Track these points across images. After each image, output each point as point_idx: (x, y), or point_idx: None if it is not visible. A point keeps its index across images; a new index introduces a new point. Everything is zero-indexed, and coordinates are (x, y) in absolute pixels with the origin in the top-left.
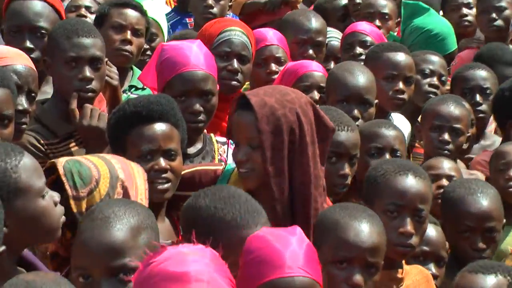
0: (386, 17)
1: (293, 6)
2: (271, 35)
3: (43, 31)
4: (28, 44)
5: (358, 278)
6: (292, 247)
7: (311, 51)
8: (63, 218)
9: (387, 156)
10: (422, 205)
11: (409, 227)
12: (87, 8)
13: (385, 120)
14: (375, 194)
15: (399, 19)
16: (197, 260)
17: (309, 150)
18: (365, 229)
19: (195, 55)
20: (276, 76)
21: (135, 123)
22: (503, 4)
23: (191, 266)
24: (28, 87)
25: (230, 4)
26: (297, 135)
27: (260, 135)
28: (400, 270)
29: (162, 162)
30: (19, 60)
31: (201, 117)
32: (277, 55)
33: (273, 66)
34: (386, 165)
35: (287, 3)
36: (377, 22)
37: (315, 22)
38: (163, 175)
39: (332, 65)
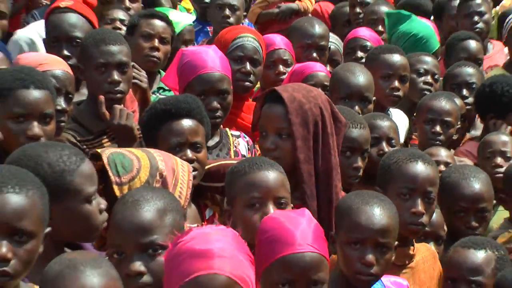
0: None
1: (303, 16)
2: (278, 40)
3: (78, 40)
4: (65, 52)
5: (370, 257)
6: (302, 226)
7: (315, 54)
8: (105, 224)
9: (384, 144)
10: (431, 187)
11: (420, 207)
12: (121, 21)
13: (379, 113)
14: (389, 180)
15: None
16: (219, 239)
17: (330, 141)
18: (376, 212)
19: (212, 59)
20: (283, 77)
21: (165, 120)
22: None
23: (215, 244)
24: (65, 89)
25: (244, 14)
26: (320, 127)
27: (290, 125)
28: (411, 247)
29: (189, 153)
30: (57, 66)
31: (218, 113)
32: (284, 57)
33: (281, 68)
34: (398, 153)
35: (298, 13)
36: (380, 28)
37: (319, 28)
38: (191, 165)
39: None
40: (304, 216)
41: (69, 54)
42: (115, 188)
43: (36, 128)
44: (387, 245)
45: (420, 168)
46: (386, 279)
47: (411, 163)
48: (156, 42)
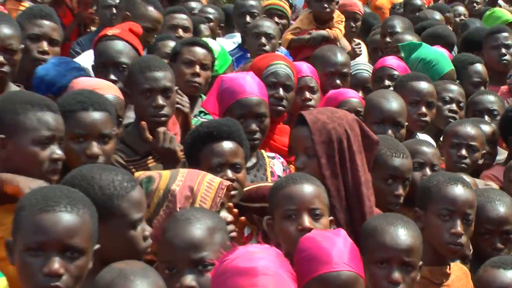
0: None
1: (332, 42)
2: (305, 67)
3: (124, 66)
4: (112, 77)
5: (396, 275)
6: (337, 245)
7: (338, 81)
8: (148, 250)
9: (428, 170)
10: (470, 210)
11: (459, 228)
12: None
13: (424, 140)
14: (429, 201)
15: None
16: (263, 257)
17: (358, 158)
18: (400, 233)
19: (250, 84)
20: (310, 103)
21: (207, 141)
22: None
23: (259, 262)
24: (116, 113)
25: (279, 42)
26: (345, 145)
27: (314, 145)
28: (448, 266)
29: (230, 173)
30: (109, 91)
31: (257, 135)
32: (310, 85)
33: (307, 94)
34: (438, 176)
35: (328, 40)
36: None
37: (340, 56)
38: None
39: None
40: (340, 236)
41: (115, 78)
42: None
43: (95, 148)
44: (412, 264)
45: (460, 191)
46: None
47: (451, 186)
48: (197, 68)
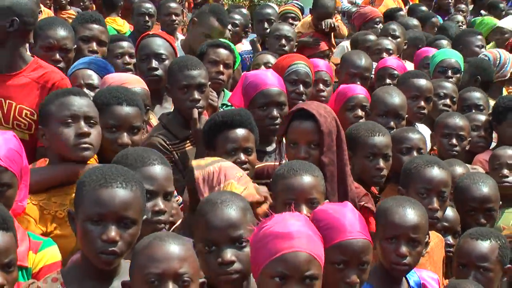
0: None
1: (338, 35)
2: (322, 63)
3: (163, 57)
4: (153, 65)
5: (403, 250)
6: (348, 216)
7: (358, 82)
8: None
9: (415, 153)
10: (444, 188)
11: (435, 204)
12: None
13: (411, 127)
14: (410, 181)
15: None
16: (295, 222)
17: (343, 144)
18: (407, 212)
19: (270, 78)
20: (323, 93)
21: (222, 129)
22: None
23: (292, 227)
24: (144, 103)
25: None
26: (337, 136)
27: (321, 135)
28: (427, 236)
29: (242, 156)
30: (136, 84)
31: (277, 121)
32: (325, 78)
33: (321, 86)
34: (417, 159)
35: (334, 29)
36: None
37: (365, 61)
38: (243, 166)
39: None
40: (348, 207)
41: (156, 66)
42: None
43: (125, 138)
44: (418, 239)
45: (436, 172)
46: (425, 274)
47: (429, 168)
48: (221, 67)
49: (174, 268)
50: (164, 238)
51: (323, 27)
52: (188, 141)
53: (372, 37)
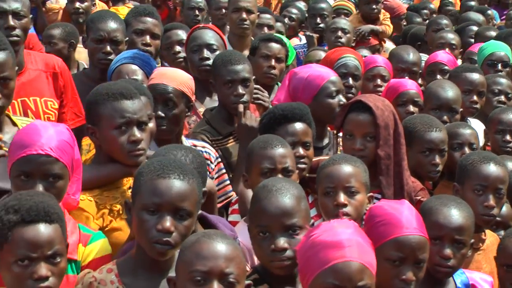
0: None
1: (383, 35)
2: (380, 59)
3: (214, 47)
4: (205, 55)
5: (447, 252)
6: (405, 213)
7: (407, 77)
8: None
9: (466, 149)
10: (501, 185)
11: (491, 201)
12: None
13: (462, 122)
14: (465, 178)
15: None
16: (344, 230)
17: (401, 139)
18: (453, 213)
19: (324, 70)
20: (380, 89)
21: (282, 122)
22: None
23: (342, 235)
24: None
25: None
26: (394, 129)
27: (377, 128)
28: (483, 233)
29: (301, 150)
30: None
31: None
32: (383, 74)
33: (379, 81)
34: (473, 156)
35: (376, 34)
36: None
37: (413, 56)
38: (301, 160)
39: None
40: (404, 205)
41: (208, 56)
42: None
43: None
44: (463, 241)
45: (492, 168)
46: (477, 275)
47: (485, 164)
48: (273, 62)
49: (220, 267)
50: (213, 236)
51: (356, 36)
52: (231, 137)
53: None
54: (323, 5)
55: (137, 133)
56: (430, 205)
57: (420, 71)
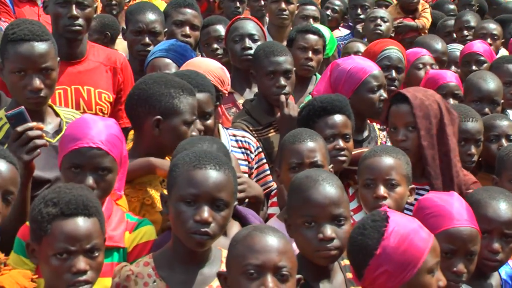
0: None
1: (421, 31)
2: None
3: (256, 37)
4: (247, 45)
5: (496, 246)
6: (455, 205)
7: (436, 66)
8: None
9: (503, 140)
10: None
11: None
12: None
13: (499, 114)
14: (503, 169)
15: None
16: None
17: (448, 129)
18: (501, 206)
19: (368, 63)
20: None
21: (322, 115)
22: None
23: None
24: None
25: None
26: (438, 119)
27: (415, 119)
28: None
29: (341, 143)
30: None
31: (381, 105)
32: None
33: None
34: (510, 147)
35: (415, 30)
36: (489, 41)
37: (441, 45)
38: (341, 152)
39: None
40: (454, 197)
41: (250, 46)
42: None
43: (198, 124)
44: None
45: None
46: None
47: None
48: (310, 53)
49: (274, 260)
50: (264, 229)
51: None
52: (271, 128)
53: (451, 22)
54: None
55: (199, 125)
56: (478, 198)
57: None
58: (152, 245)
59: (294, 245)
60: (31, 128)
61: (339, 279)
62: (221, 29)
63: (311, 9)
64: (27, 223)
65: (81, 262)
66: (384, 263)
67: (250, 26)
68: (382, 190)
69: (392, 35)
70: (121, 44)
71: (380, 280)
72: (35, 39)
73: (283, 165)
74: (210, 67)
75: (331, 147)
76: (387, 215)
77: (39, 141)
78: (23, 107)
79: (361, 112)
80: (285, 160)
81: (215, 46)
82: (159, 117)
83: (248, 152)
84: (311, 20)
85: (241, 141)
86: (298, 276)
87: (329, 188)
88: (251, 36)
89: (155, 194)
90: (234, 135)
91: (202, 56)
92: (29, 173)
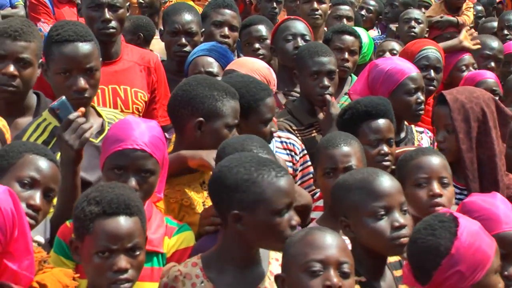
0: None
1: (461, 28)
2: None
3: (307, 38)
4: (300, 44)
5: None
6: (501, 207)
7: (492, 64)
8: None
9: None
10: None
11: None
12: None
13: None
14: None
15: None
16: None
17: (493, 133)
18: None
19: (406, 64)
20: None
21: (365, 118)
22: None
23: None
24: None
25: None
26: (482, 122)
27: (453, 122)
28: None
29: (385, 148)
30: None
31: (423, 106)
32: (472, 61)
33: (471, 69)
34: None
35: (455, 26)
36: None
37: (498, 43)
38: (386, 158)
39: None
40: (497, 198)
41: (299, 46)
42: None
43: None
44: None
45: None
46: None
47: None
48: (346, 55)
49: (336, 255)
50: (321, 228)
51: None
52: (313, 128)
53: (495, 23)
54: None
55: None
56: None
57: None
58: (191, 251)
59: None
60: (78, 116)
61: (390, 276)
62: (262, 29)
63: (345, 9)
64: (67, 223)
65: (122, 261)
66: (457, 263)
67: (301, 26)
68: (437, 188)
69: (426, 35)
70: (158, 45)
71: (451, 280)
72: (79, 39)
73: (318, 170)
74: (256, 67)
75: (375, 153)
76: (454, 215)
77: (86, 125)
78: (64, 96)
79: (397, 113)
80: (320, 165)
81: (257, 46)
82: (201, 119)
83: (293, 153)
84: (344, 20)
85: (286, 142)
86: (359, 278)
87: (390, 177)
88: (303, 36)
89: (194, 196)
90: (279, 137)
91: (239, 56)
92: (79, 159)
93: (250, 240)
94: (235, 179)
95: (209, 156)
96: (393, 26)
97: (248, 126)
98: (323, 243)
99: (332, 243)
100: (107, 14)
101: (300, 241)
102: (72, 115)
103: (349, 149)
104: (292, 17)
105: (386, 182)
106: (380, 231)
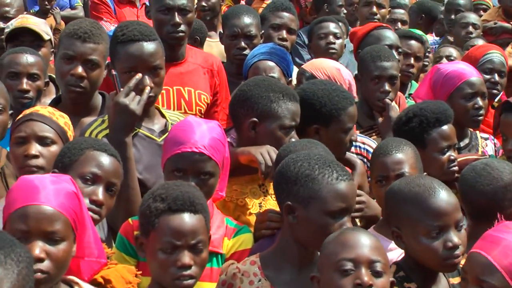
0: None
1: None
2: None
3: (400, 50)
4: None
5: None
6: None
7: None
8: None
9: None
10: None
11: None
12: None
13: None
14: None
15: None
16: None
17: None
18: None
19: (467, 69)
20: None
21: (436, 125)
22: None
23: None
24: None
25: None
26: None
27: None
28: None
29: (454, 153)
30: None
31: (482, 111)
32: None
33: None
34: None
35: (509, 32)
36: None
37: None
38: (453, 163)
39: None
40: None
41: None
42: None
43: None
44: None
45: None
46: None
47: None
48: (412, 60)
49: (367, 254)
50: (355, 228)
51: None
52: (372, 131)
53: None
54: (461, 1)
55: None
56: None
57: None
58: (249, 254)
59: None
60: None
61: (444, 284)
62: (336, 28)
63: (400, 13)
64: (129, 220)
65: (186, 257)
66: None
67: (395, 36)
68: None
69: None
70: (217, 48)
71: None
72: (144, 39)
73: (372, 178)
74: (323, 64)
75: (445, 159)
76: None
77: (147, 90)
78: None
79: (456, 118)
80: (372, 173)
81: (331, 39)
82: (255, 119)
83: (365, 160)
84: (399, 23)
85: (359, 147)
86: (392, 279)
87: (448, 193)
88: (397, 49)
89: (251, 196)
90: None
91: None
92: (133, 127)
93: (300, 235)
94: (297, 172)
95: (257, 151)
96: (450, 37)
97: (328, 134)
98: (355, 242)
99: (364, 243)
100: (177, 18)
101: (333, 241)
102: (132, 82)
103: (401, 156)
104: (383, 24)
105: (443, 200)
106: (432, 251)
